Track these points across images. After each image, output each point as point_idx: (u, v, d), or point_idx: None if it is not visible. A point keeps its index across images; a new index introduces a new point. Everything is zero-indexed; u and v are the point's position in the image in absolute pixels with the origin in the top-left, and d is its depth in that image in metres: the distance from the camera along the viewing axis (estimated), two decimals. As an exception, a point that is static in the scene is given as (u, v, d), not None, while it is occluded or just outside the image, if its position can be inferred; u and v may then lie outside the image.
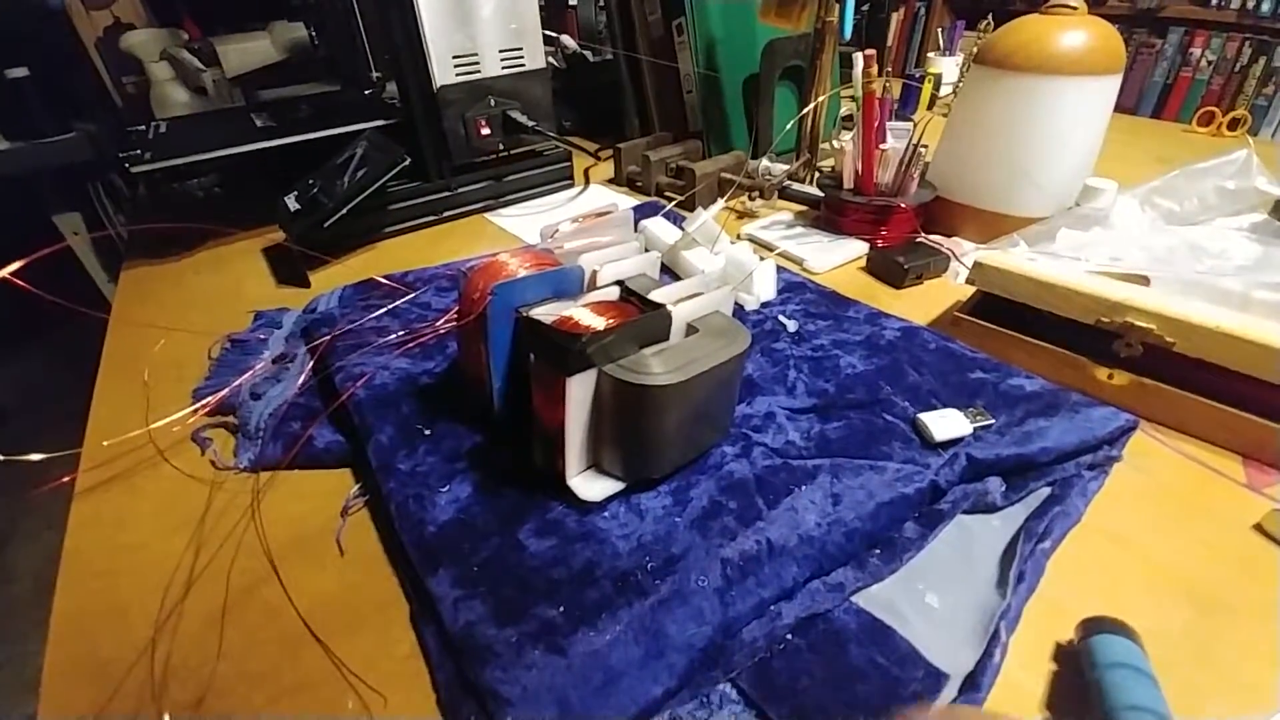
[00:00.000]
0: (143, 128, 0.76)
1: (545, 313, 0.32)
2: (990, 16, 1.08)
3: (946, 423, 0.36)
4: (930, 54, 1.27)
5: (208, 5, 1.32)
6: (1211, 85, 1.58)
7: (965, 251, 0.60)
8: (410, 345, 0.46)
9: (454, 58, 0.66)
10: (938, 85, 1.17)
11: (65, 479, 0.38)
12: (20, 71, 1.14)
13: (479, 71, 0.68)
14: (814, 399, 0.39)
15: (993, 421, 0.36)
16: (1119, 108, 1.75)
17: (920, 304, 0.54)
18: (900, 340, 0.44)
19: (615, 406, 0.31)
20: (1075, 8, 0.54)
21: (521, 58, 0.71)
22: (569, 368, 0.29)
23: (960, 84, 1.16)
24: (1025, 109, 0.56)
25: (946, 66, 1.20)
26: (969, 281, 0.46)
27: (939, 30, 1.37)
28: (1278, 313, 0.46)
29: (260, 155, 0.68)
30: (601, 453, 0.33)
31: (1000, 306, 0.45)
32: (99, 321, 0.58)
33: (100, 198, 1.31)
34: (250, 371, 0.46)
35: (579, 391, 0.30)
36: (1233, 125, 1.03)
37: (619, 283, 0.35)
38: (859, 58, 0.60)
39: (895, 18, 2.02)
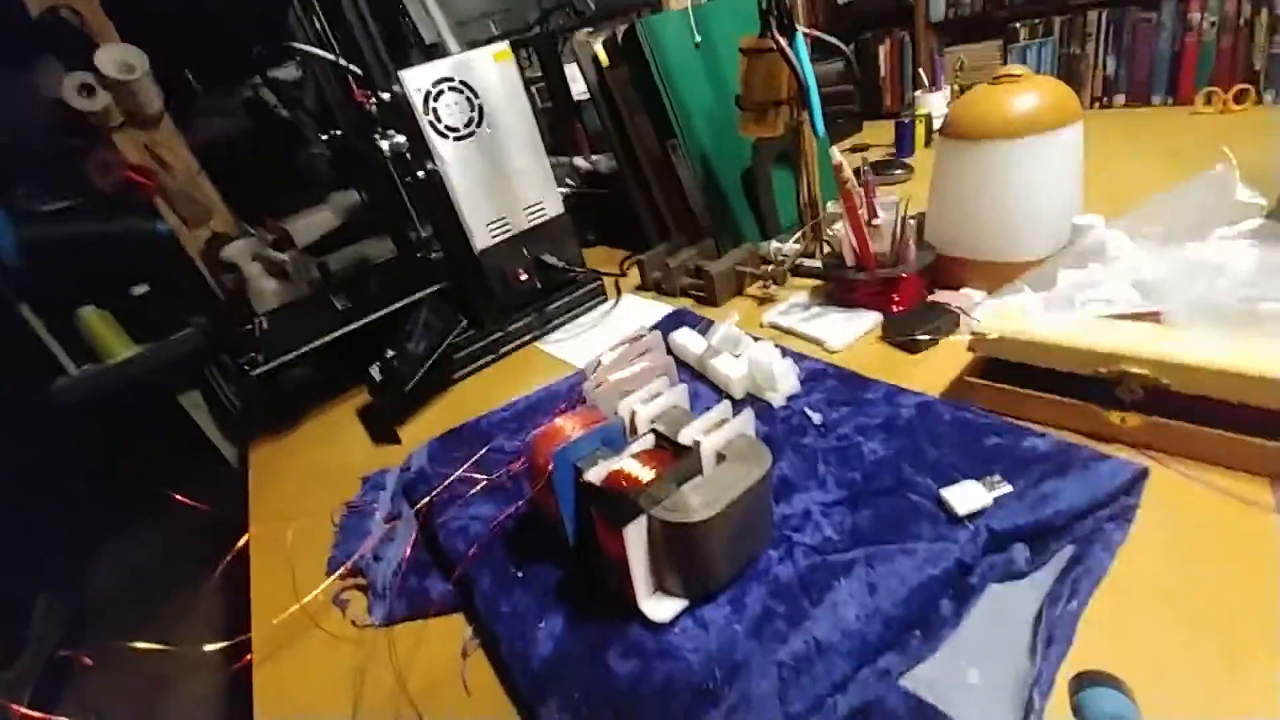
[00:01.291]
0: (249, 328, 0.92)
1: (598, 471, 0.39)
2: (961, 57, 1.13)
3: (967, 496, 0.40)
4: (917, 92, 1.33)
5: (279, 197, 1.56)
6: (1221, 45, 1.53)
7: (976, 303, 0.64)
8: (493, 492, 0.54)
9: (488, 224, 0.78)
10: (929, 124, 1.22)
11: (247, 658, 0.47)
12: (142, 288, 1.38)
13: (510, 229, 0.80)
14: (843, 490, 0.44)
15: (1010, 489, 0.40)
16: (1130, 94, 1.71)
17: (939, 366, 0.58)
18: (916, 417, 0.48)
19: (667, 542, 0.37)
20: (1019, 75, 0.59)
21: (543, 208, 0.82)
22: (624, 519, 0.35)
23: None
24: (998, 171, 0.60)
25: (935, 103, 1.25)
26: (970, 349, 0.50)
27: (920, 70, 1.43)
28: (1285, 322, 0.48)
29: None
30: (664, 577, 0.39)
31: (1009, 364, 0.49)
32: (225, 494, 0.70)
33: (214, 375, 1.53)
34: (369, 537, 0.55)
35: (635, 534, 0.36)
36: (1239, 98, 1.02)
37: (652, 430, 0.42)
38: (835, 153, 0.66)
39: (883, 50, 2.10)
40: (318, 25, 0.90)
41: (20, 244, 1.16)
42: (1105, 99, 1.63)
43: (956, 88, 1.26)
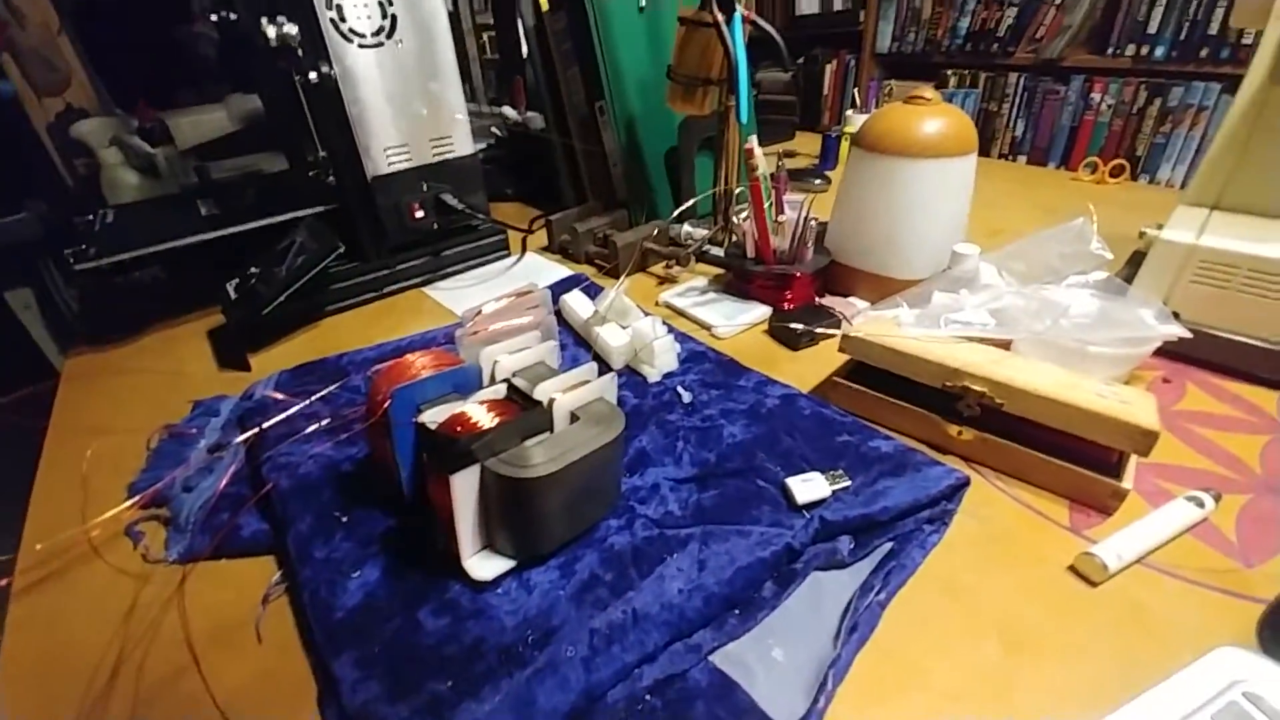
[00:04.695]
0: (90, 218, 0.80)
1: (439, 412, 0.36)
2: (891, 85, 1.18)
3: (809, 486, 0.41)
4: (849, 111, 1.37)
5: (164, 86, 1.37)
6: (1113, 127, 1.69)
7: (858, 312, 0.66)
8: (335, 431, 0.49)
9: (386, 149, 0.72)
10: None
11: (3, 581, 0.41)
12: (-30, 156, 1.17)
13: (411, 160, 0.74)
14: (696, 468, 0.44)
15: (849, 484, 0.41)
16: (1030, 156, 1.87)
17: (814, 365, 0.60)
18: (779, 408, 0.49)
19: (498, 496, 0.35)
20: (929, 99, 0.62)
21: (451, 144, 0.77)
22: (451, 466, 0.33)
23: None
24: (895, 186, 0.63)
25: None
26: (840, 349, 0.51)
27: (856, 90, 1.48)
28: (1111, 365, 0.53)
29: (205, 242, 0.72)
30: (494, 535, 0.37)
31: (873, 370, 0.51)
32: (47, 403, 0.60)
33: (51, 272, 1.33)
34: (184, 465, 0.49)
35: (464, 485, 0.34)
36: (1115, 172, 1.13)
37: (506, 380, 0.39)
38: (752, 140, 0.66)
39: (829, 69, 2.15)
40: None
41: None
42: (1010, 156, 1.77)
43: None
